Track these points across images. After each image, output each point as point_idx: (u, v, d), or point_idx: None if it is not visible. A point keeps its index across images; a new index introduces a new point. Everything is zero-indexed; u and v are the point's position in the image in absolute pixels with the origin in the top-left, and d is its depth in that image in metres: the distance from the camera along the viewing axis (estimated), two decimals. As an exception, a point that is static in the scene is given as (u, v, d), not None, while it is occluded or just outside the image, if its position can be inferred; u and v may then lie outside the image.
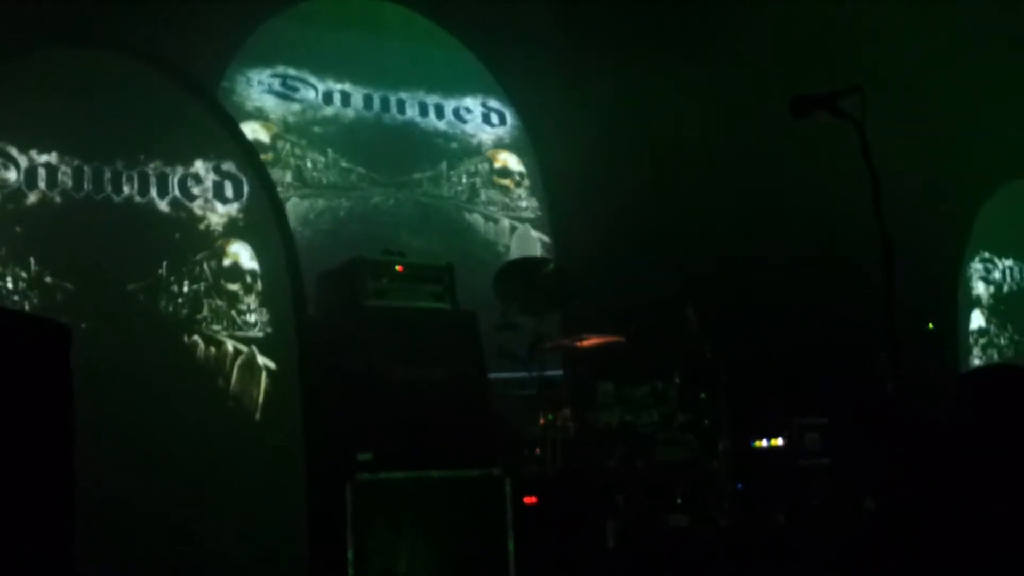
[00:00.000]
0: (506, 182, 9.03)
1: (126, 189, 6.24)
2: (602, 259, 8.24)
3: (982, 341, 9.75)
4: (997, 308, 9.91)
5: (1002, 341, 9.87)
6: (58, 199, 6.08)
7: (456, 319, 6.30)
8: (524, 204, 9.03)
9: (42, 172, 6.06)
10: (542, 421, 6.87)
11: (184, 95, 6.54)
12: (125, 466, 5.59)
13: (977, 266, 9.89)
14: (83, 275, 5.97)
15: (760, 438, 7.76)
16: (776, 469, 7.56)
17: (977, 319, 9.78)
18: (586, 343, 7.27)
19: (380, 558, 5.50)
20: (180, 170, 6.42)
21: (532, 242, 9.00)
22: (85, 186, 6.15)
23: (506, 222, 8.92)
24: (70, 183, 6.11)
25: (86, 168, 6.15)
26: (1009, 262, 10.07)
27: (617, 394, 6.91)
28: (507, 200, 8.97)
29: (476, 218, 8.81)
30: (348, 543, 5.43)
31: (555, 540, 6.16)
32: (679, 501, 6.68)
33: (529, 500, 6.21)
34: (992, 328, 9.84)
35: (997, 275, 10.00)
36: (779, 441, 7.73)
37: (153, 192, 6.32)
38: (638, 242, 8.53)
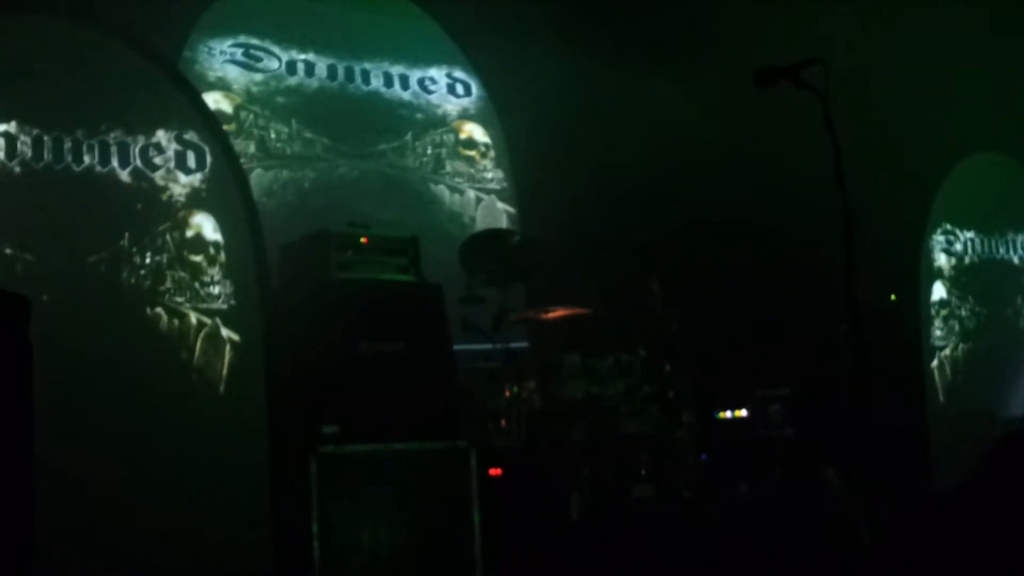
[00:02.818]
0: (472, 153, 9.00)
1: (87, 159, 6.16)
2: (568, 231, 8.23)
3: (943, 312, 9.84)
4: (958, 280, 9.98)
5: (963, 312, 9.96)
6: (17, 169, 5.99)
7: (421, 291, 6.29)
8: (490, 175, 9.01)
9: (1, 142, 5.97)
10: (507, 393, 6.88)
11: (145, 64, 6.45)
12: (86, 439, 5.56)
13: (939, 238, 9.95)
14: (43, 246, 5.90)
15: (724, 409, 7.82)
16: (739, 440, 7.62)
17: (939, 290, 9.86)
18: (551, 315, 7.28)
19: (345, 530, 5.51)
20: (142, 140, 6.34)
21: (498, 214, 8.98)
22: (45, 156, 6.07)
23: (472, 193, 8.90)
24: (30, 153, 6.02)
25: (46, 138, 6.06)
26: (970, 234, 10.15)
27: (582, 366, 6.93)
28: (473, 171, 8.94)
29: (441, 189, 8.78)
30: (312, 515, 5.44)
31: (520, 512, 6.19)
32: (643, 472, 6.72)
33: (494, 472, 6.23)
34: (953, 300, 9.93)
35: (958, 247, 10.07)
36: (742, 412, 7.79)
37: (114, 162, 6.24)
38: (604, 214, 8.53)
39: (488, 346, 7.00)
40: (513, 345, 7.19)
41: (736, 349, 7.94)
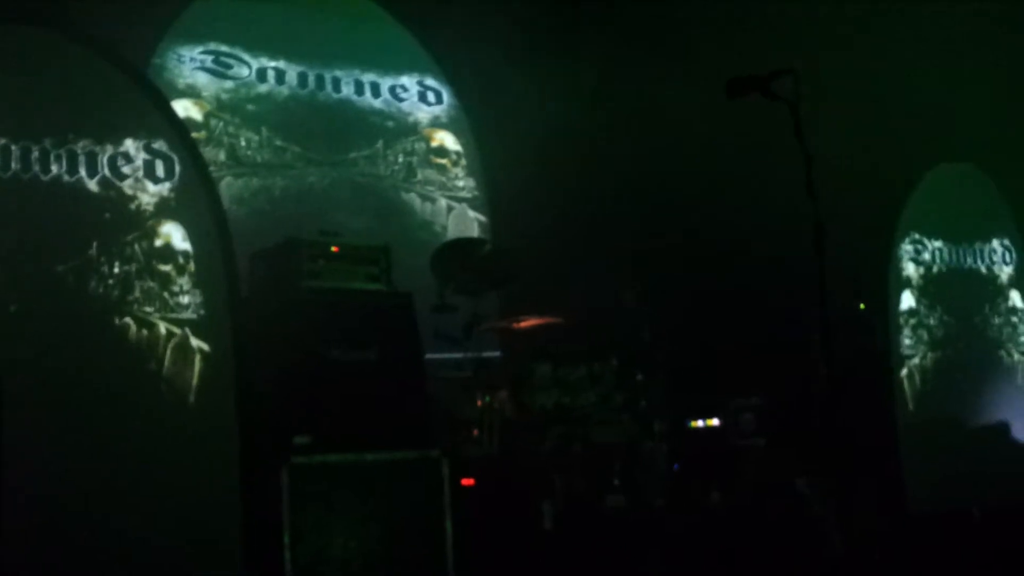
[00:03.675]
0: (443, 161, 8.99)
1: (54, 168, 6.10)
2: (539, 239, 8.24)
3: (912, 321, 9.89)
4: (927, 289, 10.04)
5: (932, 321, 10.01)
6: (-15, 178, 5.93)
7: (392, 300, 6.27)
8: (461, 184, 9.01)
9: (-32, 151, 5.90)
10: (479, 403, 6.87)
11: (114, 72, 6.39)
12: (54, 450, 5.50)
13: (907, 247, 10.01)
14: (10, 257, 5.83)
15: (696, 418, 7.83)
16: (711, 449, 7.63)
17: (907, 300, 9.92)
18: (523, 324, 7.28)
19: (316, 541, 5.47)
20: (110, 149, 6.29)
21: (469, 222, 8.99)
22: (12, 165, 6.00)
23: (443, 202, 8.89)
24: (-3, 162, 5.96)
25: (13, 147, 6.00)
26: (939, 244, 10.21)
27: (554, 375, 6.94)
28: (444, 180, 8.94)
29: (413, 198, 8.77)
30: (284, 526, 5.40)
31: (492, 522, 6.17)
32: (616, 482, 6.72)
33: (467, 482, 6.21)
34: (922, 309, 9.98)
35: (927, 256, 10.12)
36: (715, 421, 7.80)
37: (82, 171, 6.18)
38: (575, 222, 8.55)
39: (460, 355, 7.00)
40: (485, 354, 7.19)
41: (707, 358, 7.96)
